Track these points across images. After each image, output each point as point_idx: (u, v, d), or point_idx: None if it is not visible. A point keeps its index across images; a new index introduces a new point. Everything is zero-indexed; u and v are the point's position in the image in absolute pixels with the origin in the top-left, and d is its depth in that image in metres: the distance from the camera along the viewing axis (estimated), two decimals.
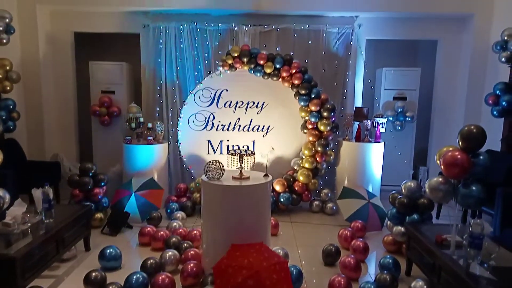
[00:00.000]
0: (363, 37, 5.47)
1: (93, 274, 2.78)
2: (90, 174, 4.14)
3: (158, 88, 5.38)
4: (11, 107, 4.62)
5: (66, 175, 4.84)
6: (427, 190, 2.69)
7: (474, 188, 2.49)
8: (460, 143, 2.56)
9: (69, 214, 3.21)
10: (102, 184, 4.22)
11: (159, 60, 5.33)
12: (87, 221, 3.55)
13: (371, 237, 4.03)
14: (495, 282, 2.20)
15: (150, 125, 4.85)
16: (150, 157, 4.72)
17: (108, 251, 3.19)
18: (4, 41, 4.48)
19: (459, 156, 2.47)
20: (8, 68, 4.56)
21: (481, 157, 2.52)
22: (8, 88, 4.58)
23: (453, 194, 2.60)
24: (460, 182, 2.57)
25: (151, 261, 3.02)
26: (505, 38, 4.45)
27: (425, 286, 2.71)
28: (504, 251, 2.63)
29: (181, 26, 5.28)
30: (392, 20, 5.43)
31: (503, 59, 4.47)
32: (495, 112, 4.58)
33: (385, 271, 2.96)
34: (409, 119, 5.64)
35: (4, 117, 4.48)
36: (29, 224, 2.82)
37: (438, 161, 2.64)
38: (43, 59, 5.31)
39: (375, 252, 3.72)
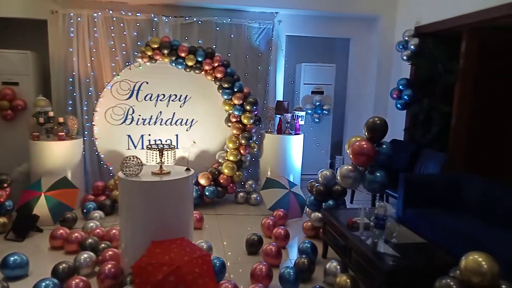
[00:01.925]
0: (283, 33, 5.65)
1: None
2: None
3: (70, 79, 4.98)
4: None
5: None
6: (338, 177, 2.90)
7: (378, 174, 2.74)
8: (366, 133, 2.79)
9: None
10: (5, 185, 3.80)
11: (71, 49, 4.93)
12: None
13: (292, 224, 4.23)
14: (398, 257, 2.46)
15: (61, 119, 4.48)
16: (62, 154, 4.36)
17: (12, 258, 2.90)
18: None
19: (365, 146, 2.70)
20: None
21: (384, 146, 2.78)
22: None
23: (361, 180, 2.84)
24: (366, 169, 2.81)
25: (64, 265, 2.82)
26: (406, 38, 4.93)
27: (338, 267, 2.93)
28: (405, 229, 2.95)
29: (95, 14, 4.94)
30: (309, 18, 5.69)
31: (404, 57, 4.96)
32: (398, 105, 5.07)
33: (304, 256, 3.14)
34: (326, 112, 5.99)
35: None
36: None
37: (347, 151, 2.85)
38: None
39: (296, 238, 3.91)
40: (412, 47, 4.80)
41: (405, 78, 5.01)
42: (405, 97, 4.91)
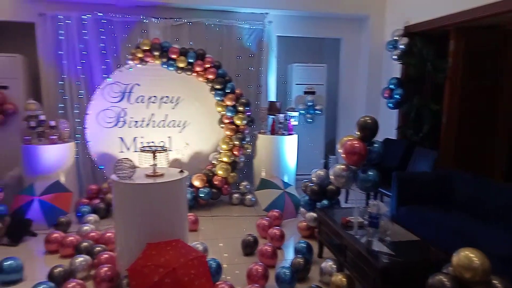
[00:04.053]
0: (273, 33, 5.68)
1: None
2: None
3: (61, 82, 4.94)
4: None
5: None
6: (331, 177, 2.92)
7: (370, 173, 2.77)
8: (357, 133, 2.82)
9: None
10: None
11: (60, 52, 4.89)
12: None
13: (287, 224, 4.25)
14: (392, 255, 2.49)
15: (52, 123, 4.45)
16: (54, 158, 4.33)
17: (7, 263, 2.88)
18: None
19: (357, 145, 2.73)
20: None
21: (376, 145, 2.81)
22: None
23: (354, 179, 2.87)
24: (359, 168, 2.84)
25: (59, 269, 2.81)
26: (395, 37, 4.99)
27: (333, 266, 2.96)
28: (399, 227, 2.98)
29: (84, 17, 4.91)
30: (300, 18, 5.73)
31: (394, 56, 5.01)
32: (390, 104, 5.12)
33: (299, 255, 3.16)
34: (319, 112, 6.03)
35: None
36: None
37: (339, 150, 2.88)
38: None
39: (291, 238, 3.93)
40: (401, 46, 4.86)
41: (395, 77, 5.07)
42: (396, 96, 4.97)
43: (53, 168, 4.32)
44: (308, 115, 6.05)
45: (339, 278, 2.70)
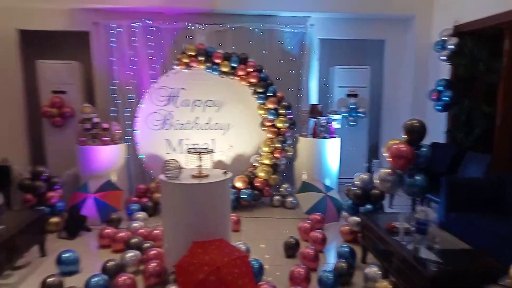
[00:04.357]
0: (315, 36, 5.66)
1: (50, 279, 2.70)
2: (43, 177, 3.97)
3: (113, 87, 5.24)
4: None
5: (16, 179, 4.59)
6: (376, 181, 2.87)
7: (418, 178, 2.69)
8: (404, 136, 2.76)
9: (21, 220, 3.09)
10: (56, 187, 4.06)
11: (112, 58, 5.19)
12: (41, 226, 3.43)
13: (329, 228, 4.21)
14: (440, 263, 2.40)
15: (105, 125, 4.72)
16: (106, 158, 4.60)
17: (65, 255, 3.11)
18: None
19: (403, 149, 2.67)
20: None
21: (424, 148, 2.73)
22: None
23: (400, 184, 2.80)
24: (405, 173, 2.77)
25: (112, 262, 2.98)
26: (444, 38, 4.80)
27: (378, 272, 2.90)
28: (448, 235, 2.86)
29: (134, 25, 5.18)
30: (342, 21, 5.67)
31: (443, 57, 4.82)
32: (438, 107, 4.93)
33: (342, 260, 3.12)
34: (362, 115, 5.92)
35: None
36: None
37: (385, 154, 2.83)
38: None
39: (333, 242, 3.89)
40: (450, 46, 4.67)
41: (444, 79, 4.87)
42: (445, 98, 4.78)
43: (106, 167, 4.58)
44: (351, 118, 5.96)
45: (384, 284, 2.64)
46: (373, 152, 6.37)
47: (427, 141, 2.83)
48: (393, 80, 5.93)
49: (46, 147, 5.49)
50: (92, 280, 2.68)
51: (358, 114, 5.90)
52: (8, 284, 2.96)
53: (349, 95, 5.98)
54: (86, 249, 3.63)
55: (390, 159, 2.74)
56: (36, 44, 5.74)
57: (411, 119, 2.79)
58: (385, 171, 2.82)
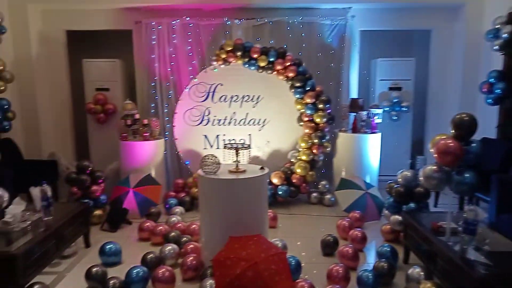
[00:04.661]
0: (356, 28, 5.48)
1: (94, 269, 2.81)
2: (87, 172, 4.15)
3: (153, 84, 5.36)
4: (5, 107, 4.60)
5: (63, 173, 4.84)
6: (421, 178, 2.72)
7: (467, 175, 2.51)
8: (452, 131, 2.58)
9: (68, 212, 3.23)
10: (100, 181, 4.23)
11: (153, 56, 5.30)
12: (86, 218, 3.58)
13: (369, 226, 4.07)
14: (490, 266, 2.24)
15: (145, 121, 4.84)
16: (146, 153, 4.73)
17: (108, 246, 3.22)
18: None
19: (451, 144, 2.50)
20: (1, 68, 4.54)
21: (473, 144, 2.54)
22: (2, 88, 4.56)
23: (448, 181, 2.63)
24: (453, 170, 2.59)
25: (151, 255, 3.06)
26: (497, 26, 4.46)
27: (421, 273, 2.76)
28: (499, 236, 2.67)
29: (174, 22, 5.26)
30: (385, 11, 5.43)
31: (496, 47, 4.49)
32: (489, 100, 4.61)
33: (383, 259, 3.00)
34: (405, 109, 5.66)
35: None
36: (28, 222, 2.84)
37: (431, 150, 2.66)
38: (36, 58, 5.29)
39: (373, 241, 3.75)
40: (505, 35, 4.33)
41: (496, 70, 4.53)
42: (497, 90, 4.45)
43: (146, 162, 4.71)
44: (393, 113, 5.73)
45: (428, 286, 2.50)
46: (417, 148, 6.08)
47: (477, 136, 2.63)
48: (440, 72, 5.61)
49: (90, 143, 5.75)
50: (133, 271, 2.75)
51: (402, 108, 5.65)
52: (57, 272, 3.12)
53: (391, 89, 5.75)
54: (126, 242, 3.75)
55: (437, 155, 2.57)
56: (82, 43, 6.00)
57: (460, 113, 2.60)
58: (431, 168, 2.65)
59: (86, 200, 3.98)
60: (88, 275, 2.80)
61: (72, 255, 3.40)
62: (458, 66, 5.38)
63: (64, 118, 5.68)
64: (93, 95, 5.54)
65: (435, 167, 2.65)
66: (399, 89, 5.73)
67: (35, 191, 3.02)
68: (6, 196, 2.58)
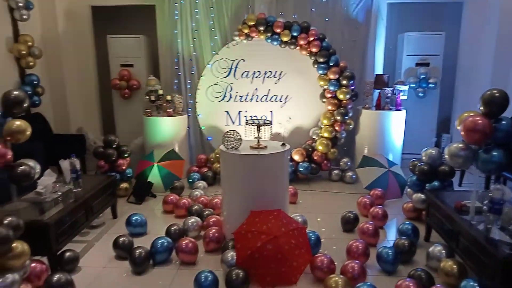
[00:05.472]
0: (384, 0, 5.26)
1: (121, 239, 2.95)
2: (114, 146, 4.27)
3: (176, 60, 5.37)
4: (35, 82, 4.76)
5: (91, 147, 5.01)
6: (446, 156, 2.66)
7: (495, 153, 2.44)
8: (482, 108, 2.49)
9: (96, 184, 3.36)
10: (126, 155, 4.35)
11: (175, 31, 5.29)
12: (113, 190, 3.72)
13: (390, 204, 4.04)
14: None
15: (169, 97, 4.90)
16: (170, 129, 4.81)
17: (134, 218, 3.35)
18: (25, 17, 4.57)
19: (479, 121, 2.42)
20: (30, 44, 4.66)
21: (504, 122, 2.45)
22: (31, 63, 4.70)
23: (474, 160, 2.56)
24: (481, 148, 2.52)
25: (175, 227, 3.17)
26: None
27: (443, 251, 2.74)
28: None
29: None
30: None
31: None
32: None
33: (404, 237, 3.00)
34: (432, 86, 5.48)
35: (29, 92, 4.62)
36: (59, 193, 2.99)
37: (458, 127, 2.59)
38: (63, 34, 5.38)
39: (394, 219, 3.75)
40: None
41: None
42: None
43: (169, 138, 4.79)
44: (420, 89, 5.55)
45: (449, 264, 2.50)
46: (443, 126, 5.91)
47: (508, 114, 2.53)
48: (471, 47, 5.36)
49: (115, 118, 5.88)
50: (158, 241, 2.86)
51: (429, 85, 5.47)
52: (86, 241, 3.28)
53: (418, 64, 5.55)
54: (151, 214, 3.89)
55: (464, 133, 2.50)
56: (106, 19, 6.04)
57: (491, 89, 2.50)
58: (457, 145, 2.58)
59: (112, 173, 4.12)
60: (116, 244, 2.94)
61: (100, 225, 3.56)
62: (491, 41, 5.11)
63: (90, 94, 5.81)
64: (118, 71, 5.62)
65: (461, 145, 2.58)
66: (426, 64, 5.52)
67: (65, 164, 3.15)
68: (38, 167, 2.70)
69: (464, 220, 2.59)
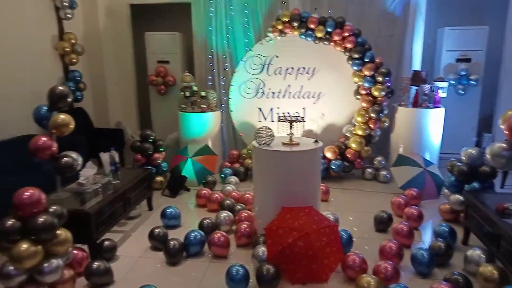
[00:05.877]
0: None
1: (156, 230, 3.05)
2: (150, 140, 4.41)
3: (210, 56, 5.45)
4: (78, 78, 4.99)
5: (128, 141, 5.20)
6: (488, 156, 2.55)
7: None
8: None
9: (133, 177, 3.49)
10: (161, 149, 4.48)
11: (210, 28, 5.36)
12: (149, 183, 3.85)
13: (426, 205, 3.92)
14: None
15: (203, 93, 4.98)
16: (204, 124, 4.89)
17: (168, 211, 3.46)
18: (69, 15, 4.80)
19: None
20: (73, 41, 4.89)
21: None
22: (74, 60, 4.93)
23: None
24: None
25: (207, 221, 3.23)
26: None
27: (482, 255, 2.64)
28: None
29: None
30: None
31: None
32: None
33: (440, 239, 2.91)
34: (474, 83, 5.24)
35: (72, 88, 4.86)
36: (99, 185, 3.13)
37: (501, 126, 2.48)
38: (103, 31, 5.59)
39: (430, 220, 3.63)
40: None
41: None
42: None
43: (203, 133, 4.88)
44: (460, 86, 5.33)
45: (489, 269, 2.40)
46: (484, 125, 5.64)
47: None
48: None
49: (152, 113, 6.05)
50: (191, 234, 2.95)
51: (470, 82, 5.23)
52: (123, 231, 3.42)
53: (459, 60, 5.32)
54: (185, 207, 3.99)
55: (508, 132, 2.39)
56: (144, 17, 6.22)
57: None
58: (499, 145, 2.48)
59: (149, 167, 4.25)
60: (151, 235, 3.05)
61: (136, 216, 3.70)
62: None
63: (128, 89, 6.02)
64: (155, 67, 5.78)
65: (504, 145, 2.47)
66: (468, 60, 5.28)
67: (105, 156, 3.29)
68: (80, 159, 2.85)
69: (506, 224, 2.47)
